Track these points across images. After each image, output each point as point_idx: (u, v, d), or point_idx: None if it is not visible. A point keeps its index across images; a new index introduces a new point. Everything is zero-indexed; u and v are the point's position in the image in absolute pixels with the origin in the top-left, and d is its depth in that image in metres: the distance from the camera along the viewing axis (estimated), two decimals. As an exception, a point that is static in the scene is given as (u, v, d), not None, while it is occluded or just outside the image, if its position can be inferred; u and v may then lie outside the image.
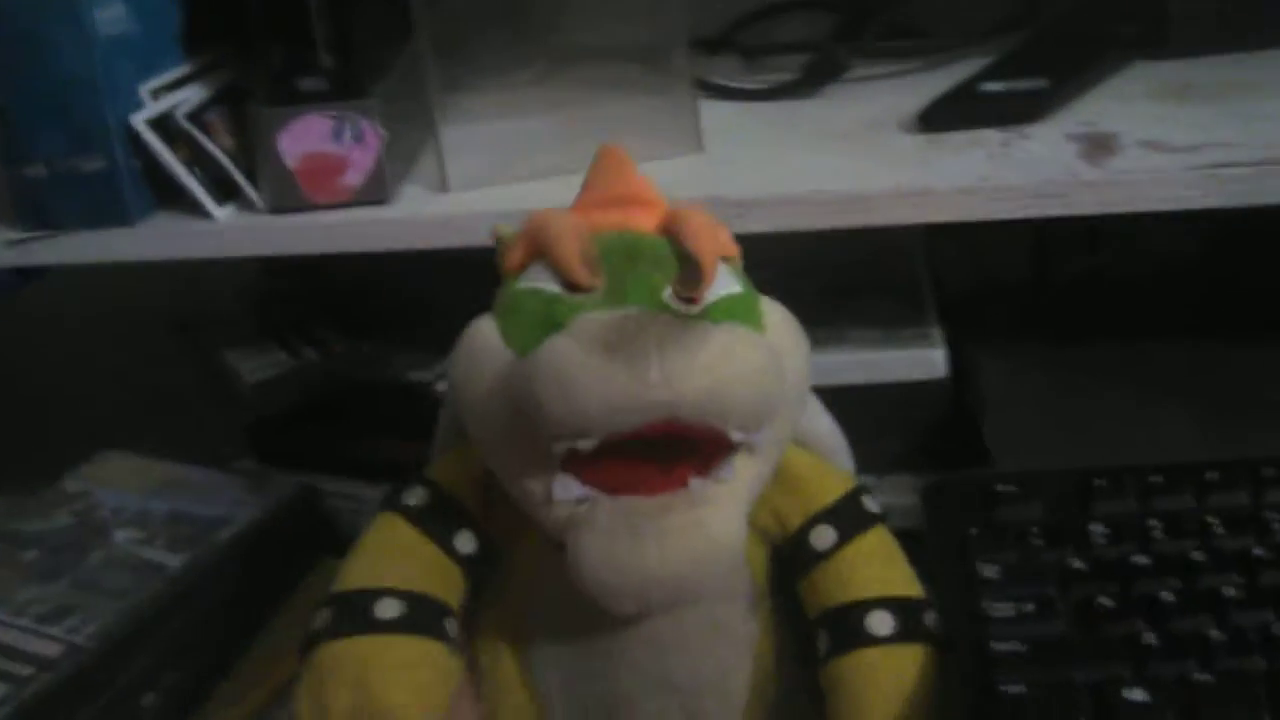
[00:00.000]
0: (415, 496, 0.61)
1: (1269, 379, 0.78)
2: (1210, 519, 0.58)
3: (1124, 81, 0.84)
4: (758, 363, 0.53)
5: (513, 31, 0.78)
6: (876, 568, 0.60)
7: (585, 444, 0.52)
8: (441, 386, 0.86)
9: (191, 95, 0.78)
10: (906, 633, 0.57)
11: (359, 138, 0.75)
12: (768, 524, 0.61)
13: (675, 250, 0.53)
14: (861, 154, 0.76)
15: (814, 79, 0.87)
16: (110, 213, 0.76)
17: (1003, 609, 0.55)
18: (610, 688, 0.59)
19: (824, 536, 0.60)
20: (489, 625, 0.62)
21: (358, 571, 0.59)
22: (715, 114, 0.83)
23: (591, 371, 0.51)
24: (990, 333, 0.85)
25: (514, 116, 0.78)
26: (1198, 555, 0.56)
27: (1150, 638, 0.53)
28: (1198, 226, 0.73)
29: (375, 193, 0.76)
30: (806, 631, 0.60)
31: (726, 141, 0.80)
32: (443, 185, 0.77)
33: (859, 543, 0.60)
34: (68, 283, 0.85)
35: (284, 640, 0.76)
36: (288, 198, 0.75)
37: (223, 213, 0.76)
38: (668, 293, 0.55)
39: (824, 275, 0.87)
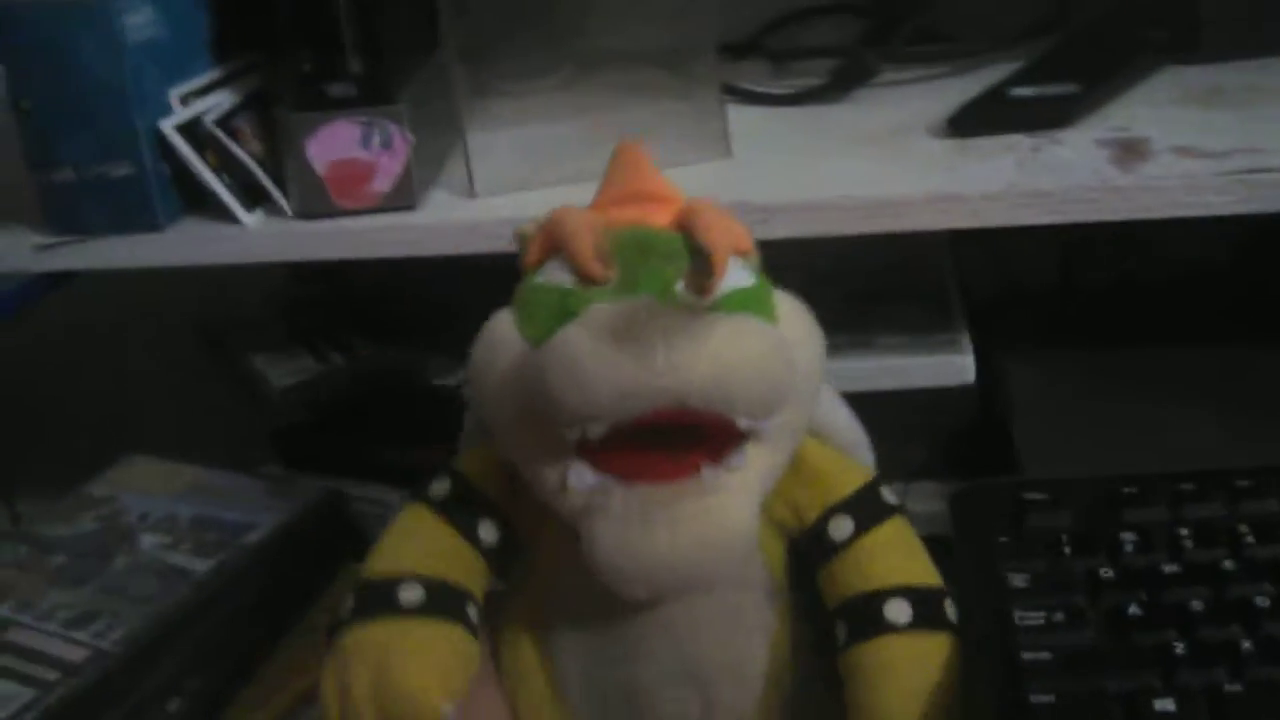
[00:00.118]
0: (440, 487, 0.62)
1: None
2: (1241, 527, 0.57)
3: (1154, 86, 0.83)
4: (765, 351, 0.54)
5: (539, 37, 0.78)
6: (895, 558, 0.60)
7: (595, 430, 0.53)
8: (468, 390, 0.86)
9: (220, 101, 0.79)
10: (925, 621, 0.57)
11: (387, 143, 0.75)
12: (785, 517, 0.62)
13: (688, 244, 0.54)
14: (889, 159, 0.76)
15: (842, 84, 0.87)
16: (139, 218, 0.76)
17: (1032, 618, 0.54)
18: (629, 675, 0.60)
19: (842, 527, 0.60)
20: (511, 613, 0.63)
21: (382, 558, 0.61)
22: (743, 119, 0.83)
23: (600, 358, 0.52)
24: (1018, 339, 0.85)
25: (541, 122, 0.78)
26: (1228, 564, 0.55)
27: (1180, 647, 0.52)
28: (1227, 231, 0.72)
29: (403, 198, 0.76)
30: (825, 623, 0.60)
31: (754, 146, 0.80)
32: (470, 191, 0.77)
33: (877, 533, 0.60)
34: (96, 288, 0.85)
35: (309, 645, 0.76)
36: (316, 203, 0.76)
37: (251, 218, 0.76)
38: (680, 286, 0.55)
39: (851, 281, 0.87)
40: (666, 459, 0.55)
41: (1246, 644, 0.52)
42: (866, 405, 0.69)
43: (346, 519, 0.86)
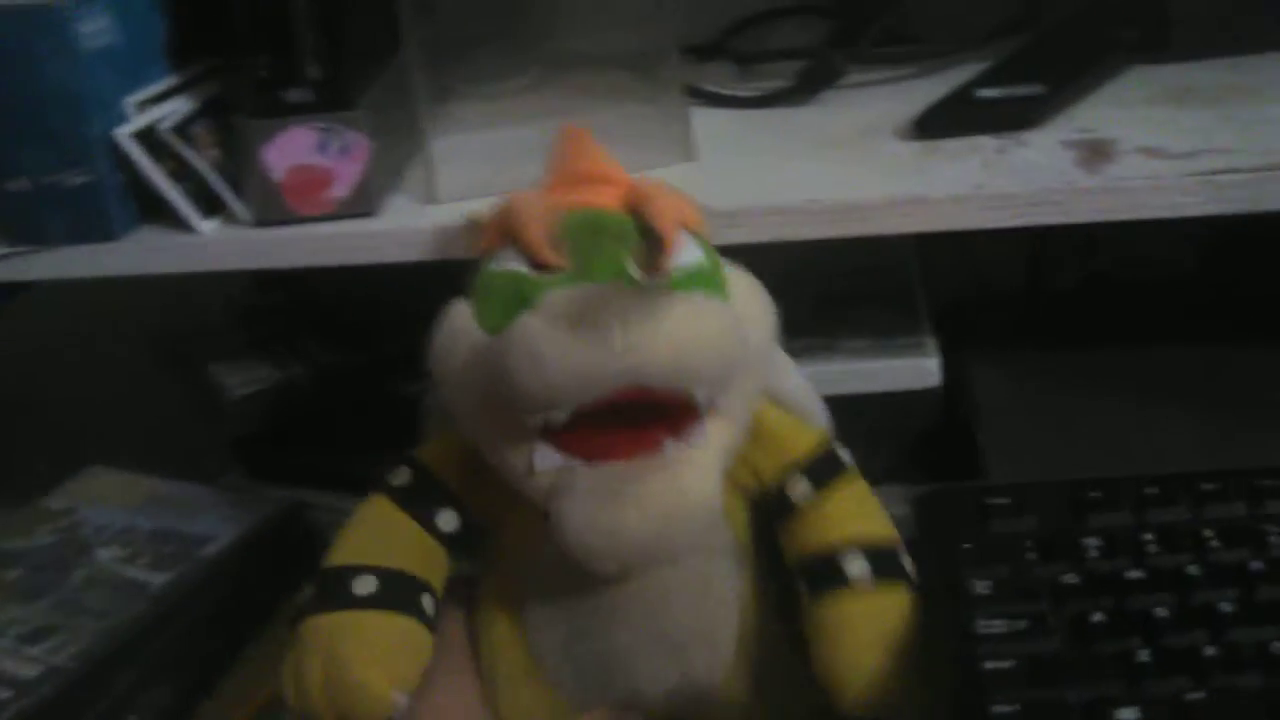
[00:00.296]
0: (400, 477, 0.64)
1: (1266, 387, 0.77)
2: (1206, 532, 0.57)
3: (1124, 86, 0.83)
4: (718, 328, 0.56)
5: (502, 40, 0.77)
6: (852, 514, 0.62)
7: (558, 415, 0.55)
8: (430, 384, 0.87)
9: (178, 107, 0.77)
10: (881, 575, 0.59)
11: (346, 149, 0.74)
12: (746, 480, 0.64)
13: (638, 224, 0.58)
14: (856, 162, 0.75)
15: (808, 86, 0.86)
16: (95, 227, 0.75)
17: (994, 626, 0.54)
18: (605, 646, 0.63)
19: (799, 488, 0.63)
20: (485, 593, 0.65)
21: (341, 550, 0.63)
22: (708, 122, 0.82)
23: (559, 345, 0.54)
24: (985, 341, 0.84)
25: (504, 126, 0.78)
26: (1193, 569, 0.55)
27: (1144, 655, 0.52)
28: (1195, 232, 0.72)
29: (362, 205, 0.75)
30: (788, 583, 0.62)
31: (719, 150, 0.79)
32: (432, 196, 0.76)
33: (834, 491, 0.63)
34: (51, 298, 0.84)
35: (268, 658, 0.75)
36: (273, 210, 0.74)
37: (207, 226, 0.75)
38: (631, 265, 0.58)
39: (817, 284, 0.86)
40: (629, 437, 0.57)
41: (1210, 651, 0.51)
42: (832, 409, 0.70)
43: (307, 529, 0.85)
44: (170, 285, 0.78)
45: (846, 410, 0.70)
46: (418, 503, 0.63)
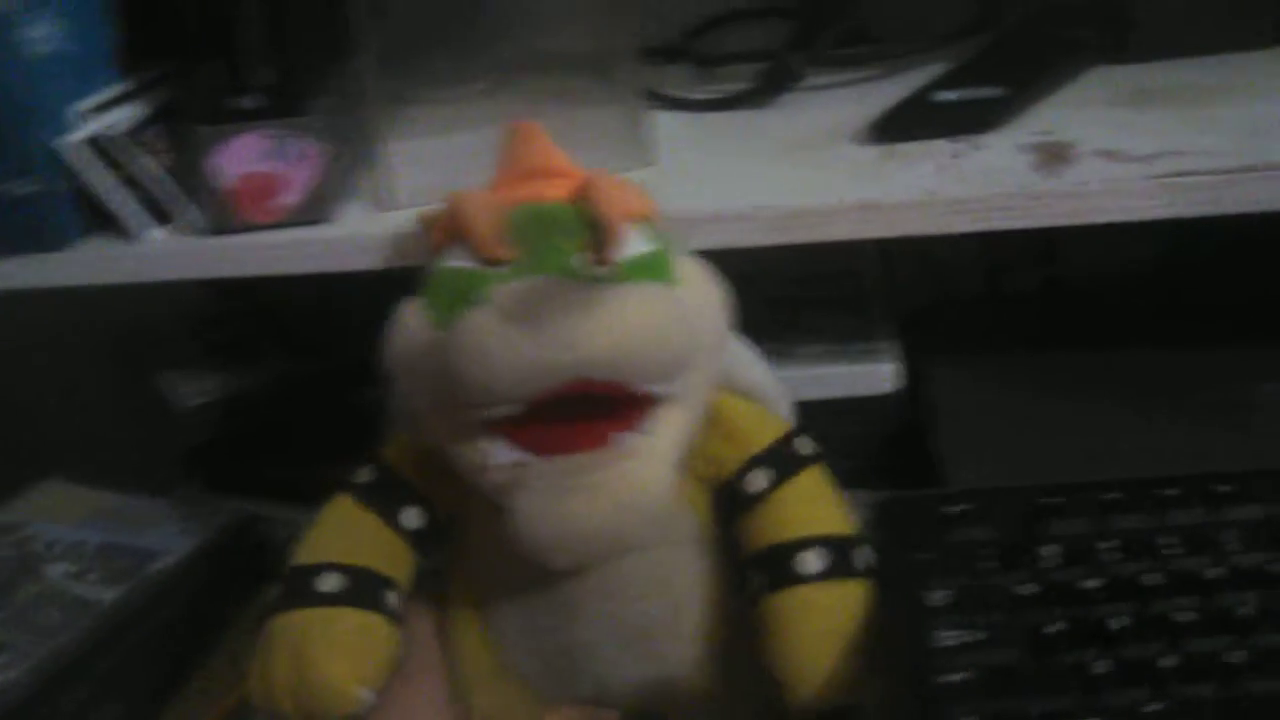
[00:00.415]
0: (364, 475, 0.65)
1: (1225, 390, 0.76)
2: (1164, 539, 0.56)
3: (1084, 88, 0.82)
4: (659, 318, 0.56)
5: (458, 44, 0.77)
6: (808, 508, 0.62)
7: (506, 410, 0.56)
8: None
9: (128, 114, 0.76)
10: (837, 570, 0.59)
11: (299, 156, 0.73)
12: (705, 471, 0.64)
13: (586, 216, 0.58)
14: (814, 166, 0.74)
15: (768, 89, 0.86)
16: (43, 236, 0.74)
17: (951, 637, 0.54)
18: (569, 637, 0.63)
19: (758, 480, 0.63)
20: (451, 588, 0.66)
21: (306, 548, 0.64)
22: (667, 125, 0.82)
23: (502, 340, 0.54)
24: (945, 346, 0.84)
25: (460, 130, 0.77)
26: (1150, 578, 0.55)
27: (1101, 666, 0.51)
28: (1156, 236, 0.72)
29: (315, 212, 0.74)
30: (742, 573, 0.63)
31: (678, 153, 0.78)
32: (387, 203, 0.75)
33: (792, 484, 0.63)
34: (1, 309, 0.83)
35: (224, 672, 0.75)
36: (226, 218, 0.74)
37: (156, 235, 0.74)
38: (579, 258, 0.58)
39: (776, 288, 0.86)
40: (580, 430, 0.57)
41: (1168, 661, 0.51)
42: (792, 415, 0.68)
43: (262, 542, 0.84)
44: (123, 294, 0.77)
45: (806, 416, 0.69)
46: (381, 500, 0.64)
